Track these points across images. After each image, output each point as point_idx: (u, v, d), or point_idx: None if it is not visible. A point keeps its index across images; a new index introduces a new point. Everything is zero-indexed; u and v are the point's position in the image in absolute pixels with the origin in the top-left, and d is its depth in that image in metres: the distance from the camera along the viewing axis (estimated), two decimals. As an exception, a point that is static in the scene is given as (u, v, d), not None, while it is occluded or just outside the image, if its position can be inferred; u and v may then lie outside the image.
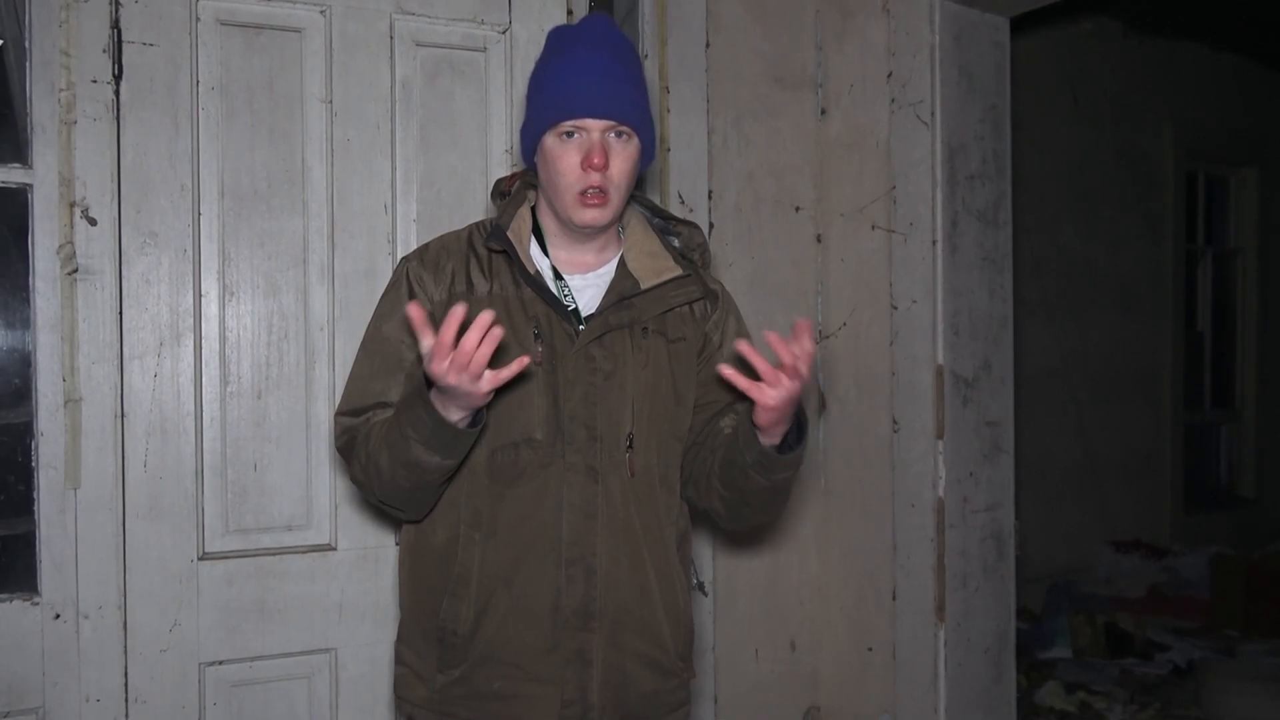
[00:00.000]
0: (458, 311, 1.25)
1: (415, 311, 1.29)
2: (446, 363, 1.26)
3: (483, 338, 1.26)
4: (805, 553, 2.77)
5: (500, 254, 1.52)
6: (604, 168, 1.45)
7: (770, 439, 1.45)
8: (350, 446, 1.53)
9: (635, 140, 1.49)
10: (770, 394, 1.36)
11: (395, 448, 1.41)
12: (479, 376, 1.28)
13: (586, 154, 1.44)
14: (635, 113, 1.47)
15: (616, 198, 1.48)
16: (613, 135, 1.46)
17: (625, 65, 1.48)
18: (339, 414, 1.55)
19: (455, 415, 1.35)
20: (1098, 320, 5.07)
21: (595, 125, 1.45)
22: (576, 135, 1.45)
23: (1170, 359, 5.42)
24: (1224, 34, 5.32)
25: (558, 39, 1.53)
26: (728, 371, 1.37)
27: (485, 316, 1.26)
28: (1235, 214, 5.99)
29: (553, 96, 1.46)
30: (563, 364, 1.48)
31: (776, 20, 2.74)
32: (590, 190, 1.45)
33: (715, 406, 1.61)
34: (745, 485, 1.52)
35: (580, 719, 1.49)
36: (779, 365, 1.37)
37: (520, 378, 1.45)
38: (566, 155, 1.45)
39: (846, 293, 2.75)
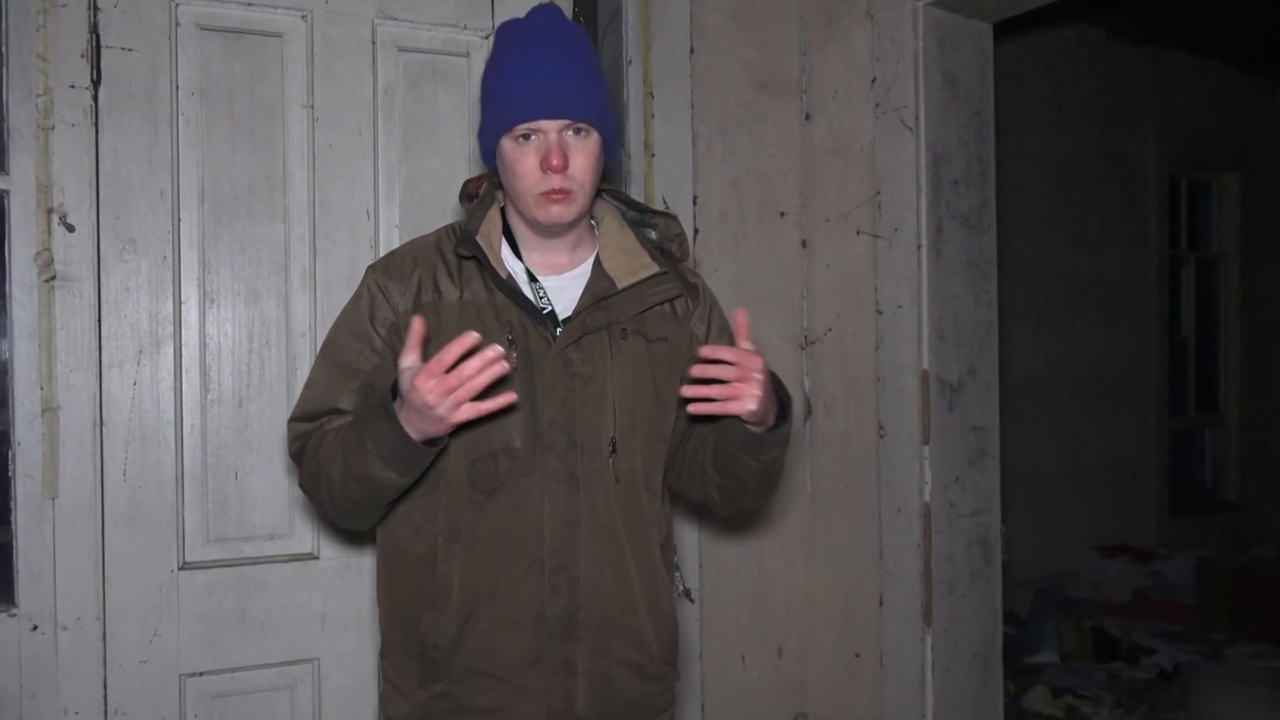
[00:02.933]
0: (466, 339, 1.25)
1: (419, 326, 1.31)
2: (434, 382, 1.25)
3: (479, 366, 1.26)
4: (792, 559, 2.76)
5: (470, 259, 1.50)
6: (563, 169, 1.42)
7: (758, 427, 1.46)
8: (301, 454, 1.50)
9: (594, 135, 1.45)
10: (742, 405, 1.39)
11: (351, 459, 1.39)
12: (459, 405, 1.27)
13: (544, 156, 1.41)
14: (591, 107, 1.43)
15: (581, 194, 1.46)
16: (570, 133, 1.43)
17: (576, 59, 1.45)
18: (293, 420, 1.53)
19: (417, 435, 1.33)
20: (1083, 326, 5.09)
21: (551, 125, 1.42)
22: (533, 137, 1.42)
23: (1155, 364, 5.44)
24: (1206, 41, 5.36)
25: (505, 36, 1.48)
26: (697, 408, 1.40)
27: (492, 352, 1.26)
28: (1218, 220, 6.03)
29: (505, 99, 1.42)
30: (539, 370, 1.46)
31: (761, 26, 2.74)
32: (552, 191, 1.43)
33: None
34: (739, 470, 1.53)
35: None
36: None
37: (496, 385, 1.44)
38: (524, 159, 1.43)
39: (832, 298, 2.75)
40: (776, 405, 1.48)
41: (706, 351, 1.38)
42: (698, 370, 1.38)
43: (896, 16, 2.60)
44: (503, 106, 1.43)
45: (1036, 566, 4.70)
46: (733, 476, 1.55)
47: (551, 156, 1.41)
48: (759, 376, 1.38)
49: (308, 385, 1.54)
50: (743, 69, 2.71)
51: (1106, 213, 5.19)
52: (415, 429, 1.32)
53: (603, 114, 1.46)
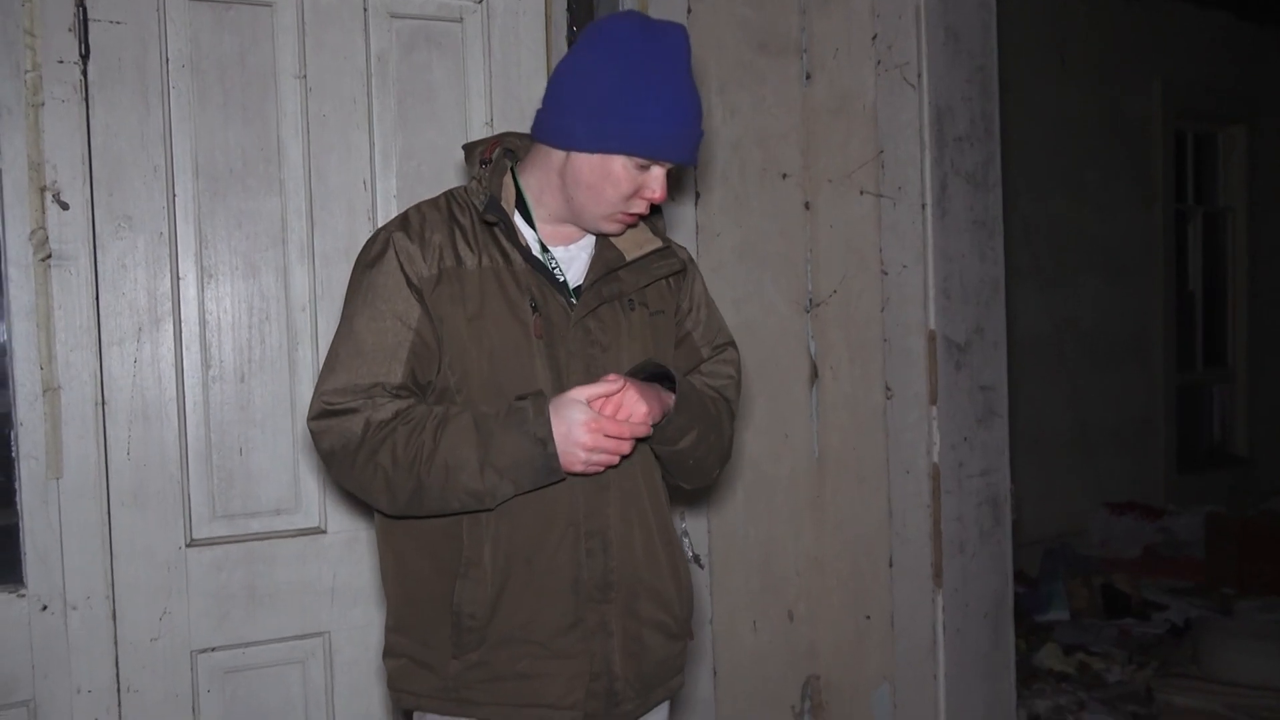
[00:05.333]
0: (640, 429, 1.41)
1: (616, 381, 1.41)
2: (601, 439, 1.37)
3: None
4: (800, 523, 2.76)
5: (489, 225, 1.50)
6: (662, 200, 1.48)
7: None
8: (348, 447, 1.42)
9: None
10: (636, 428, 1.43)
11: (463, 474, 1.38)
12: (593, 464, 1.39)
13: (652, 186, 1.46)
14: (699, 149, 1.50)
15: None
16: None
17: (696, 89, 1.47)
18: (325, 391, 1.44)
19: None
20: (1088, 283, 5.06)
21: (668, 163, 1.46)
22: (651, 167, 1.45)
23: (1161, 320, 5.41)
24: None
25: (639, 41, 1.42)
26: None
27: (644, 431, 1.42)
28: (1224, 173, 5.97)
29: (648, 128, 1.41)
30: (561, 337, 1.48)
31: (759, -16, 2.69)
32: (634, 214, 1.48)
33: (683, 370, 1.62)
34: (664, 457, 1.58)
35: (607, 691, 1.49)
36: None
37: (520, 352, 1.46)
38: (630, 179, 1.45)
39: (836, 260, 2.72)
40: (670, 396, 1.50)
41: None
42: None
43: (897, -30, 2.55)
44: (641, 134, 1.42)
45: (1046, 525, 4.70)
46: (660, 458, 1.59)
47: (658, 190, 1.46)
48: (626, 402, 1.42)
49: (340, 354, 1.45)
50: (741, 29, 2.67)
51: (1111, 168, 5.14)
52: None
53: None
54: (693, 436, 1.52)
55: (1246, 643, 3.70)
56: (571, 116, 1.44)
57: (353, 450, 1.42)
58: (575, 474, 1.43)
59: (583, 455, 1.38)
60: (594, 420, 1.37)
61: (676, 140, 1.44)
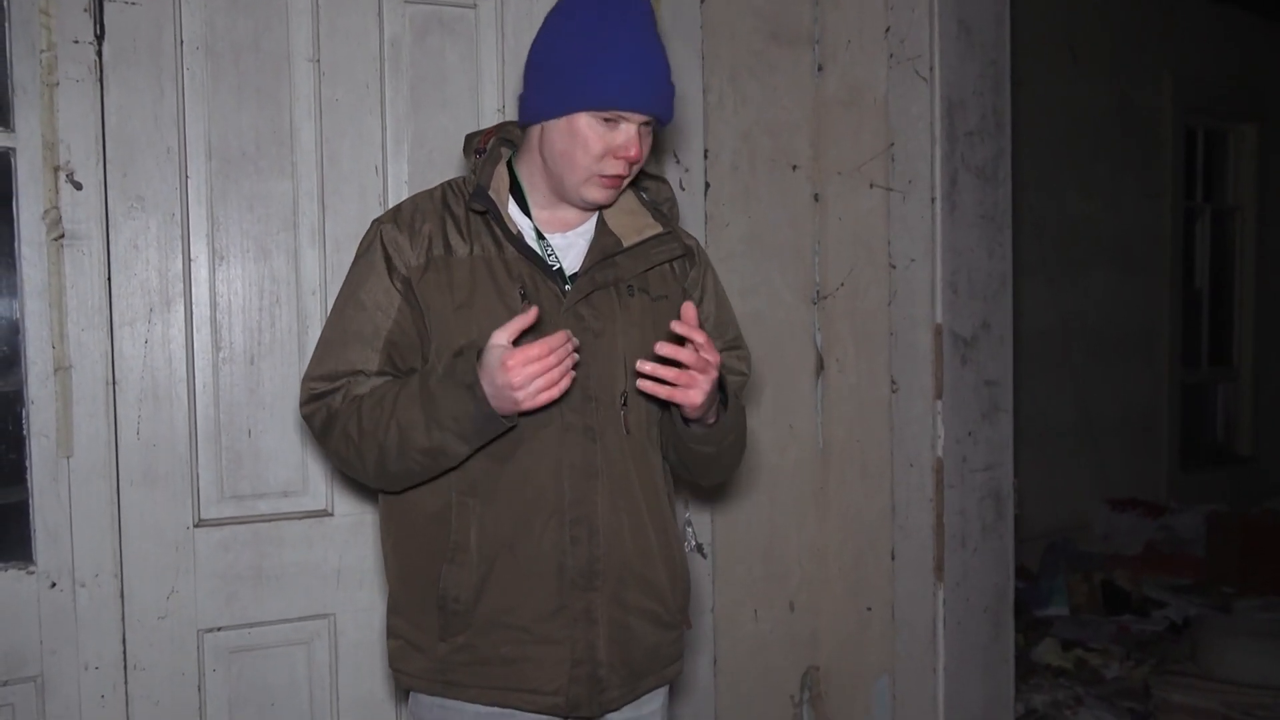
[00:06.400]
0: (560, 336, 1.34)
1: (533, 314, 1.37)
2: (533, 367, 1.32)
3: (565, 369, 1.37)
4: (804, 514, 2.77)
5: (479, 214, 1.51)
6: (638, 160, 1.46)
7: (705, 416, 1.50)
8: (329, 420, 1.49)
9: (653, 130, 1.49)
10: (688, 397, 1.41)
11: (414, 433, 1.40)
12: (540, 393, 1.34)
13: (623, 144, 1.44)
14: (671, 108, 1.48)
15: (627, 181, 1.50)
16: (644, 126, 1.46)
17: (662, 48, 1.46)
18: (310, 378, 1.52)
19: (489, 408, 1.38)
20: (1095, 279, 5.05)
21: (638, 117, 1.44)
22: (620, 124, 1.44)
23: (1168, 317, 5.40)
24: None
25: (595, 8, 1.44)
26: (645, 385, 1.40)
27: (572, 344, 1.36)
28: (1234, 170, 5.95)
29: (601, 79, 1.41)
30: (552, 325, 1.47)
31: (772, -26, 2.69)
32: (615, 177, 1.47)
33: None
34: (685, 454, 1.57)
35: (590, 677, 1.50)
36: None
37: (521, 337, 1.46)
38: (600, 139, 1.44)
39: (844, 252, 2.73)
40: (719, 403, 1.51)
41: (682, 329, 1.39)
42: (664, 349, 1.38)
43: (911, -37, 2.55)
44: (598, 86, 1.41)
45: (1047, 520, 4.71)
46: (683, 455, 1.58)
47: (631, 147, 1.44)
48: (713, 373, 1.41)
49: (323, 342, 1.54)
50: (754, 18, 2.67)
51: (1121, 163, 5.13)
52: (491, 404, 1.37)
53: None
54: (732, 438, 1.56)
55: (1245, 641, 3.70)
56: (534, 90, 1.47)
57: (330, 427, 1.49)
58: (527, 413, 1.39)
59: (519, 395, 1.34)
60: (510, 355, 1.32)
61: (633, 88, 1.41)
